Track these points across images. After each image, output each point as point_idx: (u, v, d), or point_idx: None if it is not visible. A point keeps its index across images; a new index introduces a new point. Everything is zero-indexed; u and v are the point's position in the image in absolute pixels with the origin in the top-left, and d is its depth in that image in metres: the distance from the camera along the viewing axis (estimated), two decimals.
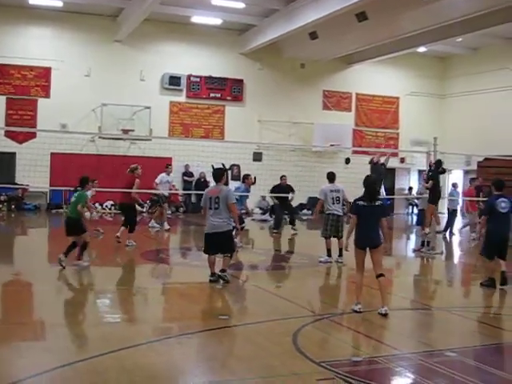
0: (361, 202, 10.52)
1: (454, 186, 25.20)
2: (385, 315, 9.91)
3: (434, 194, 19.03)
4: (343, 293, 13.63)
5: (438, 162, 19.14)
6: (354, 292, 10.59)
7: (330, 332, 9.42)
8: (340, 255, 16.07)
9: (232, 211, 12.72)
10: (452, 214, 24.86)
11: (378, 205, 10.55)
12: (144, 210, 29.25)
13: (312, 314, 10.47)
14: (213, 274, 12.68)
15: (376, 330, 9.44)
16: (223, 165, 30.64)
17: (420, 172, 32.64)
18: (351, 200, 11.10)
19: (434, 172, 19.02)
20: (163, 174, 23.45)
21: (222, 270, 12.68)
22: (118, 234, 17.78)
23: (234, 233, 13.16)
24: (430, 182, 18.84)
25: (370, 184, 10.68)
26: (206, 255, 12.84)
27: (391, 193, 35.03)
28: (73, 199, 14.29)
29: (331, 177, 16.71)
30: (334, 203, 16.25)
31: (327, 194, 16.28)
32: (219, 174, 13.39)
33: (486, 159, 31.38)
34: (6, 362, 7.58)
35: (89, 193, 20.65)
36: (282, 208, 23.53)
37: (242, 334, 9.31)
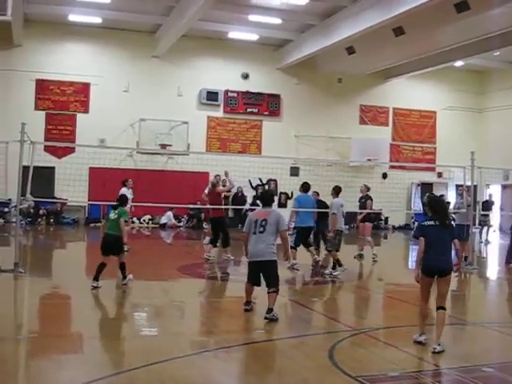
0: (428, 223, 9.26)
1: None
2: (439, 353, 8.78)
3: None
4: (379, 307, 13.59)
5: None
6: (418, 322, 9.46)
7: (366, 347, 9.37)
8: (334, 268, 16.23)
9: (284, 238, 11.10)
10: None
11: (448, 225, 9.45)
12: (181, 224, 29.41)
13: (348, 328, 10.45)
14: (247, 303, 11.13)
15: (413, 344, 9.38)
16: (260, 180, 30.87)
17: (458, 186, 32.40)
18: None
19: None
20: None
21: (269, 310, 10.64)
22: (207, 255, 18.28)
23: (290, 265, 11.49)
24: None
25: (443, 206, 9.65)
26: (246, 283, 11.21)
27: None
28: (113, 215, 13.41)
29: (339, 190, 16.65)
30: (342, 217, 16.38)
31: (339, 208, 16.22)
32: (269, 196, 11.82)
33: None
34: (44, 374, 7.67)
35: (129, 195, 20.75)
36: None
37: (279, 349, 9.33)
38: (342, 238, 16.68)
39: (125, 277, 13.49)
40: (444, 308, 9.18)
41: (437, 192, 36.37)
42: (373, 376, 7.71)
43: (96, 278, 12.89)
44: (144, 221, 30.58)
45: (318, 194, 19.27)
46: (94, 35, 30.72)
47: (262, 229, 10.79)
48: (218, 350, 8.87)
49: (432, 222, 9.23)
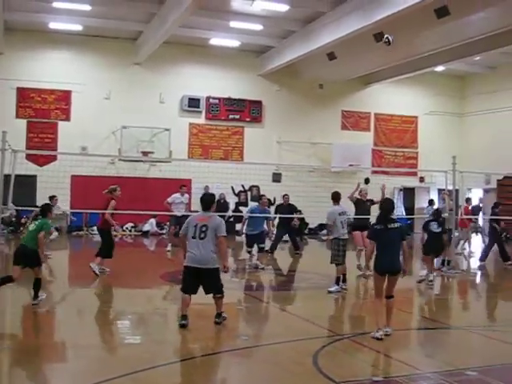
0: (378, 226, 10.12)
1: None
2: (388, 335, 9.76)
3: None
4: (363, 313, 13.58)
5: None
6: (374, 319, 9.93)
7: (350, 352, 9.39)
8: (344, 281, 15.05)
9: (221, 244, 10.58)
10: None
11: (395, 227, 10.06)
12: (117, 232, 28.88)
13: (332, 334, 10.46)
14: (184, 317, 10.48)
15: (396, 349, 9.42)
16: (243, 186, 30.89)
17: (440, 191, 32.53)
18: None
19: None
20: (177, 195, 23.16)
21: (218, 315, 10.67)
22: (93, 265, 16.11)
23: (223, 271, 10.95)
24: None
25: (384, 207, 10.37)
26: (182, 293, 10.72)
27: (411, 212, 34.94)
28: (33, 227, 12.22)
29: (337, 197, 15.43)
30: (342, 227, 15.02)
31: (337, 218, 14.95)
32: (210, 200, 11.21)
33: (505, 177, 31.31)
34: (27, 383, 7.65)
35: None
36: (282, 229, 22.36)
37: (263, 355, 9.31)
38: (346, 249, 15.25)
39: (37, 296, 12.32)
40: (393, 296, 10.09)
41: (419, 196, 36.66)
42: (357, 381, 7.74)
43: None
44: (127, 228, 30.49)
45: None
46: (75, 43, 30.62)
47: (202, 235, 10.39)
48: (203, 357, 8.86)
49: (380, 226, 10.12)
